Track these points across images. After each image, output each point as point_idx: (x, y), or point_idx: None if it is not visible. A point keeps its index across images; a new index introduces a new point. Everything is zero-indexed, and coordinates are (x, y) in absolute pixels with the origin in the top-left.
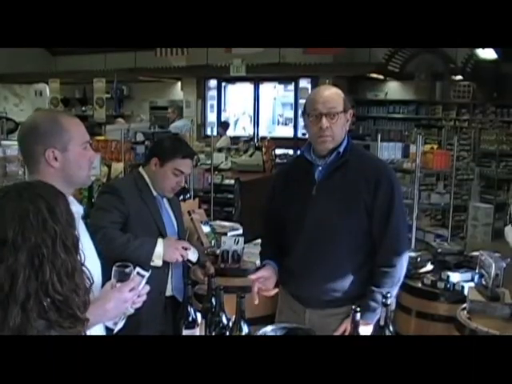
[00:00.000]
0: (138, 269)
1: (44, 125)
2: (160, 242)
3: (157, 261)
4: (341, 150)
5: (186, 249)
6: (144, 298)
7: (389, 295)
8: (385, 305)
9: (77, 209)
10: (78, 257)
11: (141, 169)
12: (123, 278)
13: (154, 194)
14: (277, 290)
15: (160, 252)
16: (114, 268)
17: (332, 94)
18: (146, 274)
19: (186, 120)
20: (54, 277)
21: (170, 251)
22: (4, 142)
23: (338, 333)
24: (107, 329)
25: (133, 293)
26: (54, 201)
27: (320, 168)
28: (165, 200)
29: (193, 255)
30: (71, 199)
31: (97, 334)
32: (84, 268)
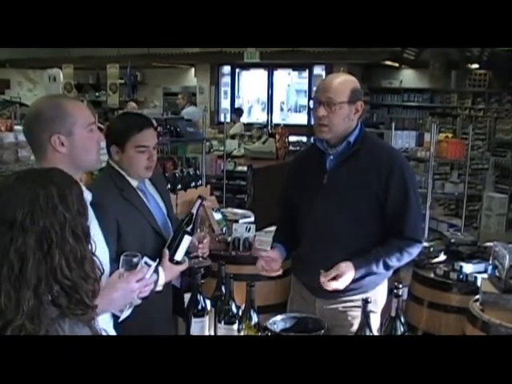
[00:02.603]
0: (145, 258)
1: (47, 111)
2: (161, 270)
3: (160, 287)
4: (351, 139)
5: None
6: (151, 286)
7: (400, 286)
8: (396, 296)
9: (85, 195)
10: (89, 246)
11: (111, 161)
12: (131, 267)
13: (134, 184)
14: (279, 272)
15: (163, 280)
16: (122, 257)
17: (336, 84)
18: (154, 264)
19: (195, 107)
20: (63, 262)
21: (168, 274)
22: (16, 127)
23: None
24: (114, 316)
25: (140, 283)
26: (66, 189)
27: (331, 157)
28: (147, 182)
29: (181, 256)
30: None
31: (104, 323)
32: (95, 258)
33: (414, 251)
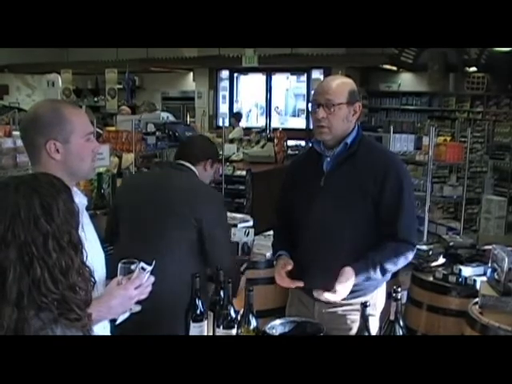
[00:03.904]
0: (142, 264)
1: (46, 116)
2: None
3: None
4: (348, 141)
5: None
6: (149, 288)
7: (399, 289)
8: (395, 299)
9: (80, 200)
10: (80, 255)
11: (194, 168)
12: (129, 274)
13: None
14: (299, 284)
15: None
16: (119, 265)
17: (334, 85)
18: (149, 268)
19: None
20: (46, 275)
21: None
22: (15, 133)
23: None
24: (110, 320)
25: (139, 290)
26: (51, 197)
27: (328, 159)
28: None
29: None
30: (75, 190)
31: (101, 328)
32: (87, 266)
33: (409, 254)
